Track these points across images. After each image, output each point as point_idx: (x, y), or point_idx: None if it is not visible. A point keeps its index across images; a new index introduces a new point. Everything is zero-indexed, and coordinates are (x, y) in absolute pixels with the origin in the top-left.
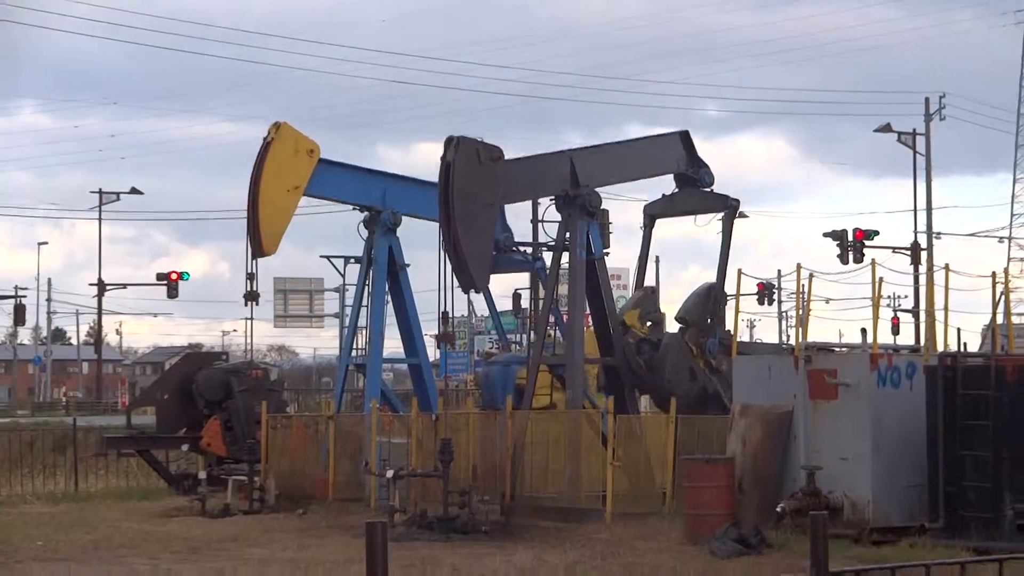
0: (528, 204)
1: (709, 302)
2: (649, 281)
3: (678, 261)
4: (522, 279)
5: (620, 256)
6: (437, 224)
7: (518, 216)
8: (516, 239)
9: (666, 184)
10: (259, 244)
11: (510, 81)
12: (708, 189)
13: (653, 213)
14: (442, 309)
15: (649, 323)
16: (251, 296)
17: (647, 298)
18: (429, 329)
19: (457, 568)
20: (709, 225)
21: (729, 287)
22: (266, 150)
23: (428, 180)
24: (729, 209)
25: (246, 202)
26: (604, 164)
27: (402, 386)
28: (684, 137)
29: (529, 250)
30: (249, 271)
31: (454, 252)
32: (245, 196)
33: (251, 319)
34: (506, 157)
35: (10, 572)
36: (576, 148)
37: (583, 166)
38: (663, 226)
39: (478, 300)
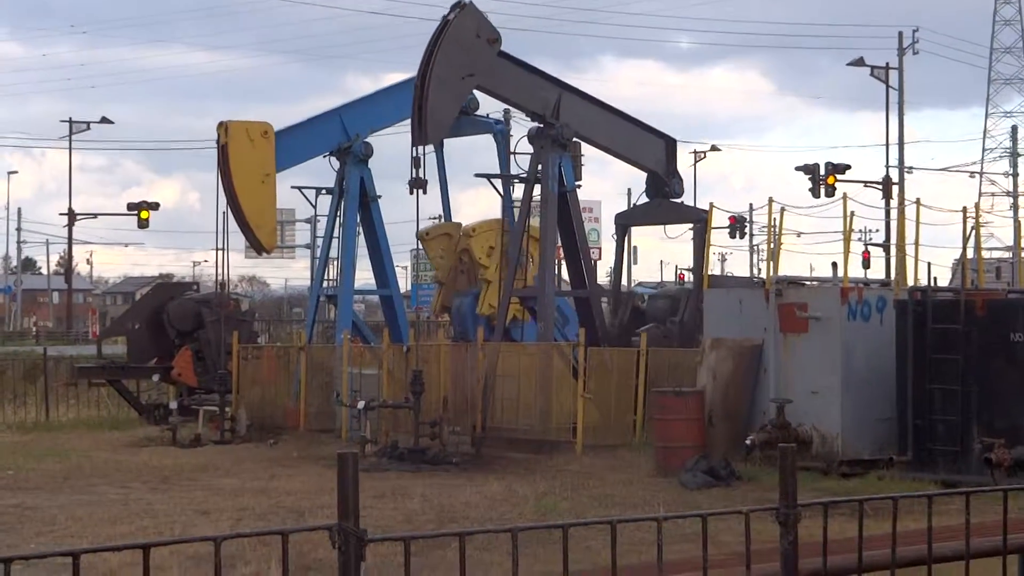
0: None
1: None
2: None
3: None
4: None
5: (592, 189)
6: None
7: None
8: (487, 171)
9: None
10: (259, 244)
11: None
12: (678, 200)
13: (625, 223)
14: (412, 155)
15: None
16: (417, 183)
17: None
18: (401, 261)
19: (427, 498)
20: (680, 237)
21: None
22: (225, 153)
23: (380, 89)
24: (701, 222)
25: (229, 207)
26: (589, 119)
27: (373, 317)
28: (670, 144)
29: (492, 115)
30: (415, 155)
31: (417, 104)
32: (215, 128)
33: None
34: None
35: None
36: (570, 86)
37: (569, 107)
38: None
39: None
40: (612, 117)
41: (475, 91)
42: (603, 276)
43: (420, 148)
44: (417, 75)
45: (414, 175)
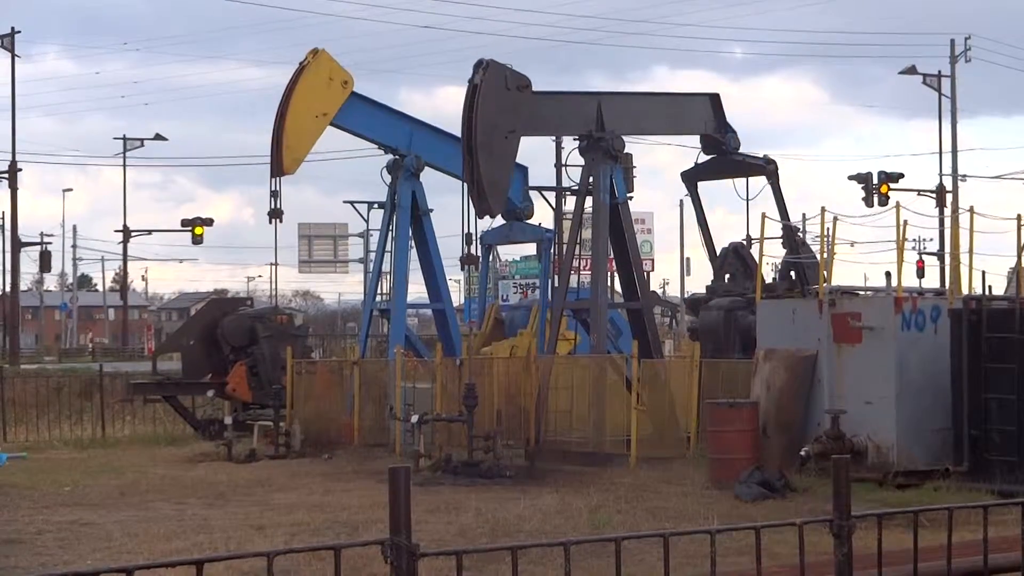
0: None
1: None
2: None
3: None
4: (546, 220)
5: (644, 200)
6: (459, 179)
7: (542, 160)
8: (539, 183)
9: (689, 144)
10: (280, 163)
11: (535, 25)
12: (740, 153)
13: (692, 178)
14: (465, 231)
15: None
16: (275, 213)
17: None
18: (453, 274)
19: (481, 512)
20: (757, 197)
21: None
22: (299, 73)
23: (454, 133)
24: (770, 174)
25: (275, 121)
26: (631, 112)
27: (426, 331)
28: (714, 99)
29: (541, 223)
30: (273, 188)
31: (471, 177)
32: (270, 141)
33: (275, 264)
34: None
35: (39, 517)
36: (605, 92)
37: (610, 111)
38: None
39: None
40: (652, 100)
41: (527, 165)
42: (655, 286)
43: (474, 224)
44: (463, 148)
45: (466, 252)
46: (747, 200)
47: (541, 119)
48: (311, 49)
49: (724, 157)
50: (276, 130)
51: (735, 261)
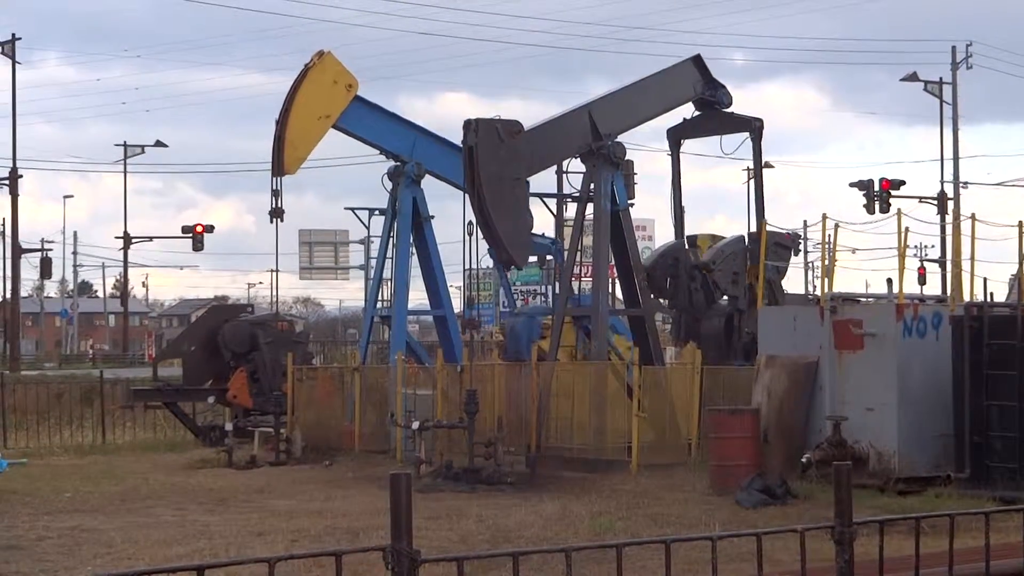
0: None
1: (741, 257)
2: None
3: (705, 210)
4: (547, 227)
5: (645, 207)
6: (460, 189)
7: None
8: (540, 190)
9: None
10: (281, 162)
11: (535, 32)
12: (728, 110)
13: (677, 136)
14: (467, 293)
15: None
16: (276, 213)
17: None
18: (454, 281)
19: (482, 518)
20: (736, 152)
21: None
22: (304, 74)
23: (456, 142)
24: (754, 131)
25: (277, 120)
26: (622, 109)
27: (427, 337)
28: (696, 61)
29: (548, 232)
30: (274, 187)
31: (489, 234)
32: (272, 141)
33: (276, 270)
34: (525, 127)
35: (39, 523)
36: (592, 100)
37: (602, 116)
38: (688, 174)
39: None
40: (637, 89)
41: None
42: None
43: (472, 286)
44: (474, 210)
45: (468, 316)
46: (729, 157)
47: (542, 154)
48: (317, 51)
49: (712, 113)
50: (278, 129)
51: (672, 265)
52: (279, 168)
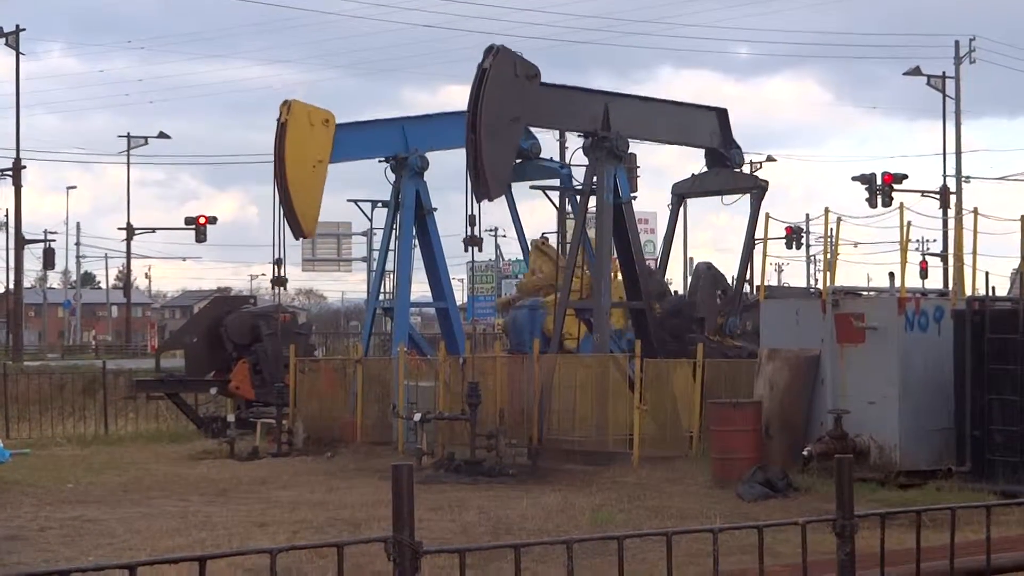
0: (556, 147)
1: (714, 286)
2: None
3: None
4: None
5: (647, 200)
6: (463, 153)
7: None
8: (542, 182)
9: (693, 157)
10: (298, 227)
11: (540, 24)
12: (737, 169)
13: (681, 193)
14: (469, 212)
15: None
16: (278, 281)
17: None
18: (456, 273)
19: (484, 510)
20: (735, 205)
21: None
22: (283, 132)
23: (447, 112)
24: (758, 189)
25: (275, 185)
26: (639, 118)
27: (430, 330)
28: (721, 114)
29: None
30: (278, 256)
31: (473, 158)
32: (272, 141)
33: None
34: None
35: (42, 513)
36: (614, 92)
37: (617, 113)
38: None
39: (506, 244)
40: (660, 108)
41: (532, 129)
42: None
43: (477, 206)
44: (467, 129)
45: (469, 233)
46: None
47: (547, 110)
48: (282, 103)
49: (720, 170)
50: (283, 195)
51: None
52: (298, 234)
